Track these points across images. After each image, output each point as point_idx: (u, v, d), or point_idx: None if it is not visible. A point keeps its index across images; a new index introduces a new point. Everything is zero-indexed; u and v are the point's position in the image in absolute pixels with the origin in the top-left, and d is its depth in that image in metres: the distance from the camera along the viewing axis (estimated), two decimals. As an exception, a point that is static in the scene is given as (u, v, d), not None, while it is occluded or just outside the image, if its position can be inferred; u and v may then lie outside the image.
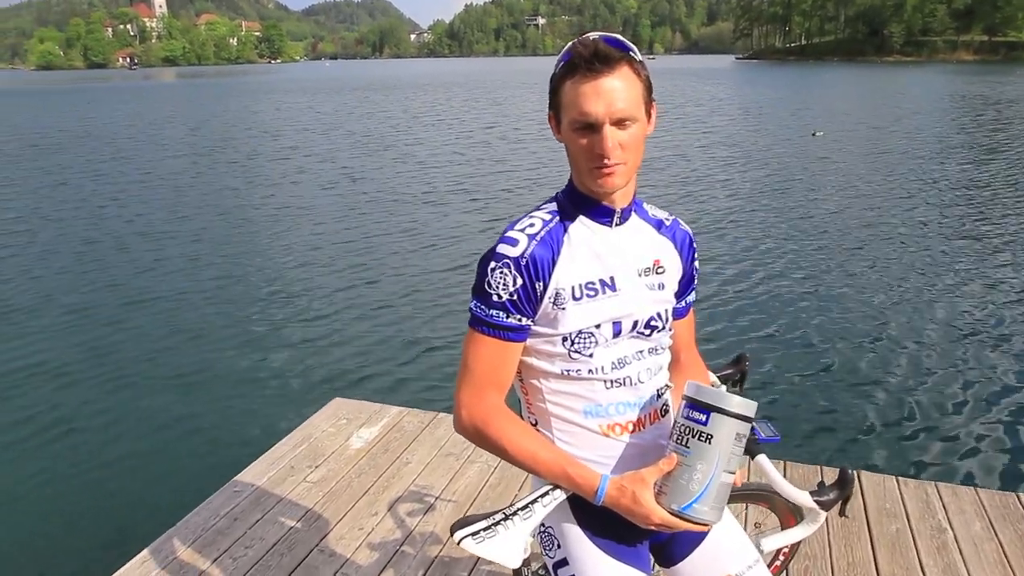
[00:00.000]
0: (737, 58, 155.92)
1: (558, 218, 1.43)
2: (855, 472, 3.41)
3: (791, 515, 2.24)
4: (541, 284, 1.37)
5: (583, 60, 1.29)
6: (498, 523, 1.40)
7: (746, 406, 1.33)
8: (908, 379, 5.99)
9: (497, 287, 1.37)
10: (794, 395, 5.76)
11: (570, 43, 1.34)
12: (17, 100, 56.98)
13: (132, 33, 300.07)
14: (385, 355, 6.68)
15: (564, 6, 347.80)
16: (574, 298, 1.38)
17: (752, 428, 1.85)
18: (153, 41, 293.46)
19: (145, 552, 2.97)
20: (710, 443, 1.31)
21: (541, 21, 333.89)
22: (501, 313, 1.38)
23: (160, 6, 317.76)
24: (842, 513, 1.92)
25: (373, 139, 24.02)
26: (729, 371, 2.28)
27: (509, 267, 1.36)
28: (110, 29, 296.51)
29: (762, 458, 1.86)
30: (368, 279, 9.03)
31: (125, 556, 2.96)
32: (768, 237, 10.62)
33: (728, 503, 2.57)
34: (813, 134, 22.34)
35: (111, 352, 6.94)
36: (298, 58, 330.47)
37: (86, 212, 13.63)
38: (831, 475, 3.38)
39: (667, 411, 1.52)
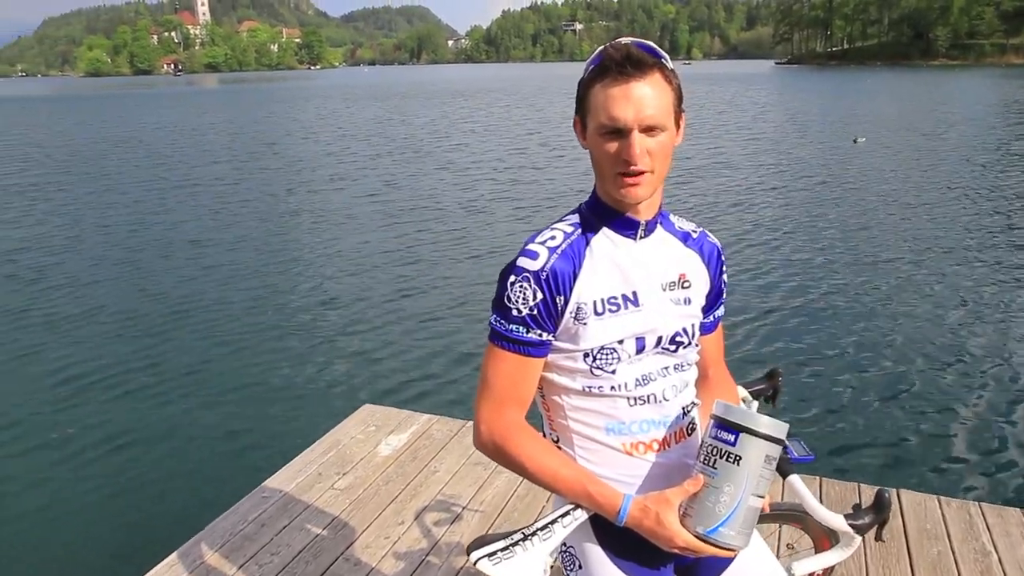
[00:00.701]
0: (777, 63, 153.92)
1: (580, 230, 1.39)
2: (894, 492, 3.31)
3: (825, 537, 2.16)
4: (562, 298, 1.34)
5: (614, 63, 1.25)
6: (516, 543, 1.36)
7: (777, 427, 1.28)
8: (951, 394, 5.82)
9: (517, 301, 1.34)
10: (831, 410, 5.61)
11: (601, 47, 1.31)
12: (67, 105, 58.58)
13: (176, 40, 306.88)
14: (417, 362, 6.68)
15: (602, 11, 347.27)
16: (596, 313, 1.35)
17: (784, 447, 1.80)
18: (196, 48, 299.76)
19: (173, 556, 2.99)
20: (739, 465, 1.26)
21: (578, 26, 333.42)
22: (521, 328, 1.35)
23: (204, 13, 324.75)
24: (878, 538, 1.84)
25: (413, 146, 24.14)
26: (761, 387, 2.21)
27: (529, 281, 1.33)
28: (155, 36, 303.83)
29: (794, 478, 1.80)
30: (404, 287, 9.05)
31: (155, 558, 2.99)
32: (803, 247, 10.43)
33: (760, 523, 2.50)
34: (854, 140, 21.89)
35: (148, 356, 7.05)
36: (337, 64, 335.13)
37: (129, 218, 13.94)
38: (869, 494, 3.30)
39: (694, 429, 1.47)
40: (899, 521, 3.12)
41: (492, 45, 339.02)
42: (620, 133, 1.27)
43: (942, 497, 3.33)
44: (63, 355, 7.10)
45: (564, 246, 1.36)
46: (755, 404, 2.20)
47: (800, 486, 1.79)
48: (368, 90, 71.58)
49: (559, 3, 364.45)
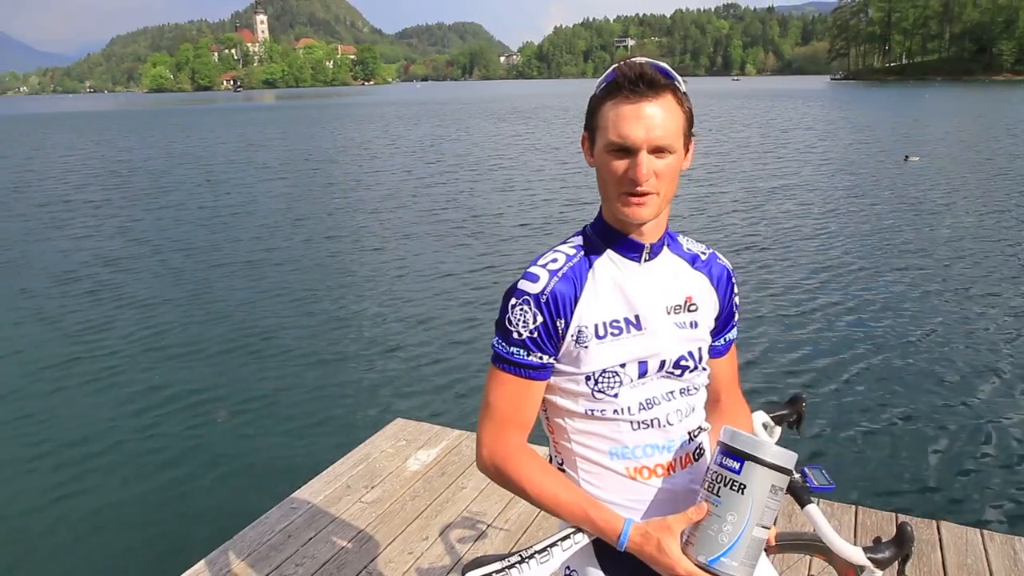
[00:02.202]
0: (832, 78, 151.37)
1: (583, 253, 1.38)
2: (933, 524, 3.19)
3: (850, 569, 2.09)
4: (562, 322, 1.33)
5: (627, 81, 1.24)
6: (512, 566, 1.34)
7: (784, 456, 1.24)
8: (997, 422, 5.58)
9: (517, 324, 1.34)
10: (867, 436, 5.43)
11: (614, 65, 1.30)
12: (133, 120, 60.64)
13: (236, 57, 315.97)
14: (453, 378, 6.71)
15: (654, 27, 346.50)
16: (597, 336, 1.33)
17: (804, 476, 1.75)
18: (255, 65, 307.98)
19: (201, 564, 3.04)
20: (742, 493, 1.24)
21: (630, 43, 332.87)
22: (522, 351, 1.34)
23: (263, 31, 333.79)
24: (900, 573, 1.77)
25: (461, 162, 24.26)
26: (784, 412, 2.15)
27: (529, 304, 1.33)
28: (216, 53, 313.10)
29: (812, 508, 1.75)
30: (443, 303, 9.08)
31: (184, 565, 3.04)
32: (835, 266, 10.16)
33: (784, 552, 2.42)
34: (905, 159, 21.27)
35: (182, 367, 7.20)
36: (390, 80, 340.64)
37: (173, 230, 14.36)
38: (909, 524, 3.18)
39: (701, 455, 1.44)
40: (938, 555, 3.00)
41: (544, 61, 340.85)
42: (628, 152, 1.26)
43: (985, 530, 3.20)
44: (102, 365, 7.29)
45: (565, 269, 1.35)
46: (778, 430, 2.14)
47: (819, 516, 1.73)
48: (422, 107, 72.42)
49: (611, 19, 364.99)
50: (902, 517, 3.28)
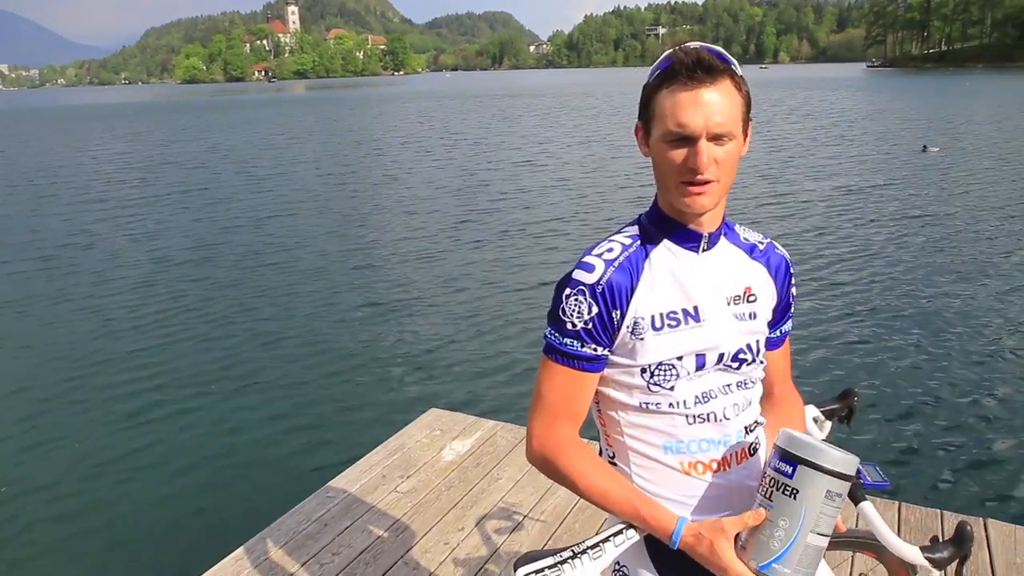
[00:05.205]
0: (868, 66, 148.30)
1: (639, 242, 1.34)
2: (980, 522, 3.11)
3: (902, 568, 2.04)
4: (618, 313, 1.30)
5: (684, 67, 1.20)
6: (565, 561, 1.32)
7: (842, 462, 1.19)
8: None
9: (571, 315, 1.31)
10: (913, 431, 5.32)
11: (668, 51, 1.26)
12: (168, 115, 61.40)
13: (267, 48, 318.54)
14: (487, 368, 6.70)
15: (685, 15, 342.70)
16: (654, 328, 1.30)
17: (857, 472, 1.70)
18: (286, 55, 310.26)
19: (240, 551, 3.07)
20: (795, 498, 1.20)
21: (661, 31, 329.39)
22: (575, 342, 1.31)
23: (294, 22, 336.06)
24: (958, 574, 1.72)
25: (499, 153, 24.12)
26: (835, 406, 2.10)
27: (584, 294, 1.30)
28: (248, 44, 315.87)
29: (867, 505, 1.70)
30: (480, 293, 9.06)
31: (222, 552, 3.07)
32: (878, 256, 9.98)
33: (832, 549, 2.37)
34: (923, 148, 20.60)
35: (223, 356, 7.27)
36: (420, 70, 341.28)
37: (203, 219, 14.51)
38: (952, 522, 3.11)
39: (757, 449, 1.40)
40: (985, 553, 2.93)
41: (574, 50, 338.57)
42: (687, 140, 1.22)
43: (1035, 529, 3.12)
44: (140, 350, 7.41)
45: (622, 259, 1.32)
46: (828, 425, 2.09)
47: (873, 514, 1.68)
48: (454, 98, 72.31)
49: (642, 7, 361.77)
50: (947, 514, 3.20)
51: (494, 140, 27.86)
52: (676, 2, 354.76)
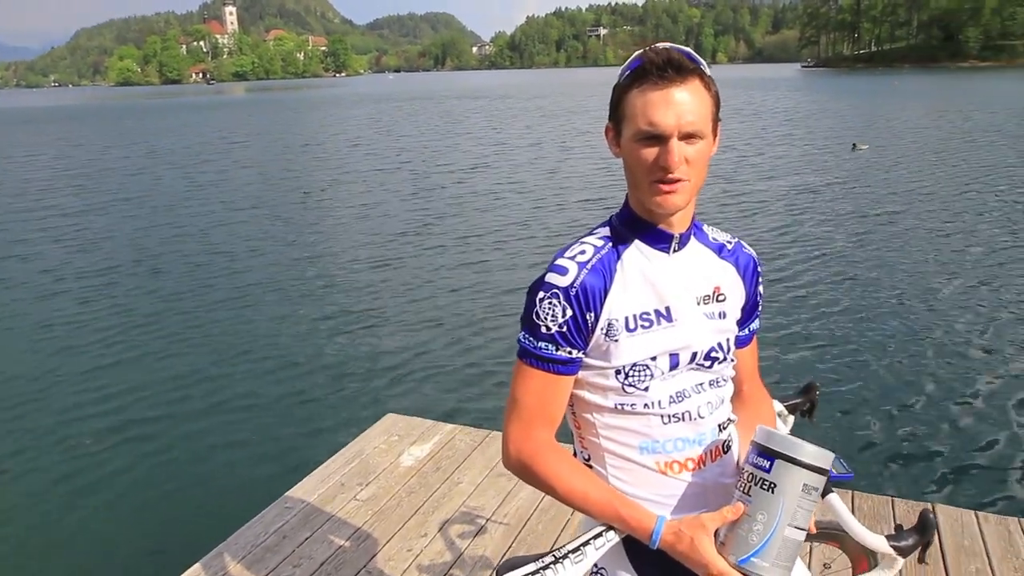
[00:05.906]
0: (803, 66, 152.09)
1: (611, 244, 1.34)
2: (930, 507, 3.21)
3: (864, 558, 2.08)
4: (592, 315, 1.29)
5: (655, 67, 1.21)
6: (547, 567, 1.31)
7: (818, 456, 1.22)
8: (987, 405, 5.67)
9: (546, 318, 1.30)
10: (864, 421, 5.49)
11: (639, 51, 1.27)
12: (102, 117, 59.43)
13: (205, 49, 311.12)
14: (443, 372, 6.66)
15: (626, 16, 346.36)
16: (627, 329, 1.30)
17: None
18: (224, 57, 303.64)
19: (197, 566, 2.98)
20: (773, 492, 1.22)
21: (603, 32, 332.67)
22: (550, 345, 1.30)
23: (232, 23, 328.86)
24: (921, 560, 1.77)
25: (450, 156, 23.91)
26: (797, 401, 2.15)
27: (558, 297, 1.29)
28: (184, 46, 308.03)
29: (833, 497, 1.74)
30: (432, 296, 9.02)
31: (177, 569, 2.97)
32: (827, 254, 10.28)
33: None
34: (853, 147, 21.03)
35: (172, 366, 7.09)
36: (362, 71, 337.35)
37: (156, 226, 14.13)
38: (903, 508, 3.21)
39: (730, 447, 1.42)
40: (935, 537, 3.02)
41: (516, 51, 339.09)
42: (658, 139, 1.22)
43: (980, 512, 3.23)
44: (89, 365, 7.18)
45: (594, 261, 1.31)
46: (791, 419, 2.13)
47: (839, 505, 1.72)
48: (397, 99, 71.84)
49: (583, 9, 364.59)
50: (898, 501, 3.30)
51: (445, 143, 27.69)
52: (616, 3, 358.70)
